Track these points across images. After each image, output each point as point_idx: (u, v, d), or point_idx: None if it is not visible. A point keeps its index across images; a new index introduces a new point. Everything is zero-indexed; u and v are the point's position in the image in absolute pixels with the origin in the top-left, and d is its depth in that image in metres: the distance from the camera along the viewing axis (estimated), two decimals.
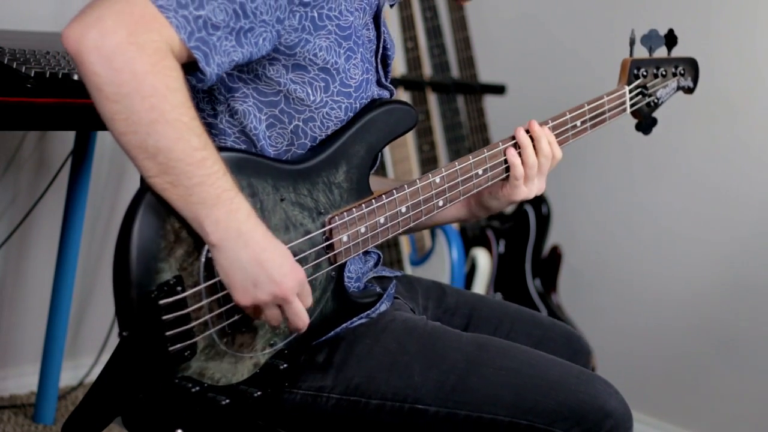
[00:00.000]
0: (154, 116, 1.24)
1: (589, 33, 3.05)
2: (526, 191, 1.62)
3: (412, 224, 1.53)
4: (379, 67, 1.56)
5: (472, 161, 1.57)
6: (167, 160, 1.25)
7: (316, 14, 1.40)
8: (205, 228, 1.28)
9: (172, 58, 1.26)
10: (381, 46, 1.55)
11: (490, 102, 3.18)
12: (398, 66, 3.02)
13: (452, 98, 3.08)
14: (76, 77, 1.84)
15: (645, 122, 1.81)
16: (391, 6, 1.61)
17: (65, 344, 2.52)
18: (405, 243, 2.93)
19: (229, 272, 1.31)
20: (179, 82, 1.26)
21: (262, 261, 1.30)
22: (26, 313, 2.68)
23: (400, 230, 1.51)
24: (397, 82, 2.94)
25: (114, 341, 2.24)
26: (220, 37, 1.30)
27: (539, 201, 3.01)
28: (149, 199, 1.28)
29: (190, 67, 1.31)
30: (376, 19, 1.54)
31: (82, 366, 2.78)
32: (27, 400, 2.64)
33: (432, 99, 3.08)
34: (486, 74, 3.19)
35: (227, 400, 1.32)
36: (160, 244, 1.28)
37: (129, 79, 1.22)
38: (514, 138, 1.61)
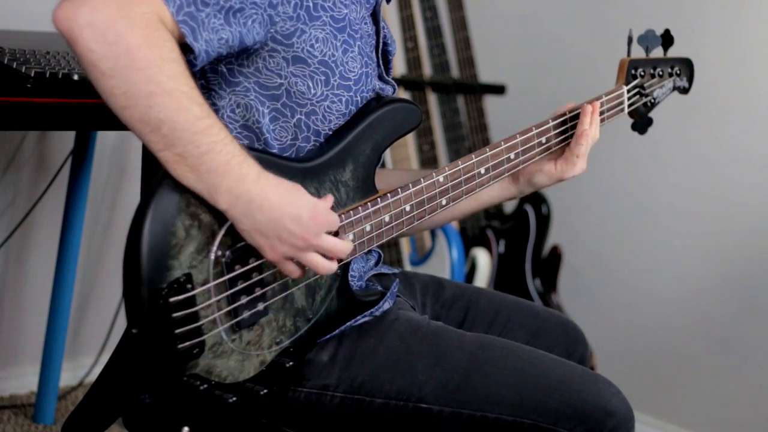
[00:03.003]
0: (152, 88, 1.24)
1: (589, 33, 3.05)
2: (582, 165, 1.67)
3: (416, 222, 1.53)
4: (380, 62, 1.56)
5: (474, 160, 1.58)
6: (171, 131, 1.26)
7: (311, 4, 1.41)
8: (218, 198, 1.29)
9: (164, 30, 1.27)
10: (381, 41, 1.56)
11: (490, 102, 3.18)
12: (398, 66, 3.02)
13: (452, 98, 3.08)
14: (76, 77, 1.83)
15: (641, 122, 1.82)
16: (388, 2, 1.61)
17: (65, 344, 2.52)
18: (405, 243, 2.93)
19: (253, 236, 1.32)
20: (174, 53, 1.27)
21: (279, 218, 1.31)
22: (26, 313, 2.67)
23: (405, 229, 1.52)
24: (397, 82, 2.93)
25: (114, 341, 2.23)
26: (209, 14, 1.31)
27: (539, 201, 3.02)
28: (159, 197, 1.29)
29: (181, 51, 1.31)
30: (375, 14, 1.54)
31: (82, 366, 2.77)
32: (27, 400, 2.64)
33: (432, 99, 3.08)
34: (486, 74, 3.19)
35: (234, 398, 1.32)
36: (170, 242, 1.28)
37: (123, 52, 1.23)
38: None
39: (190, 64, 1.32)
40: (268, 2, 1.36)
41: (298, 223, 1.32)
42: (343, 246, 1.38)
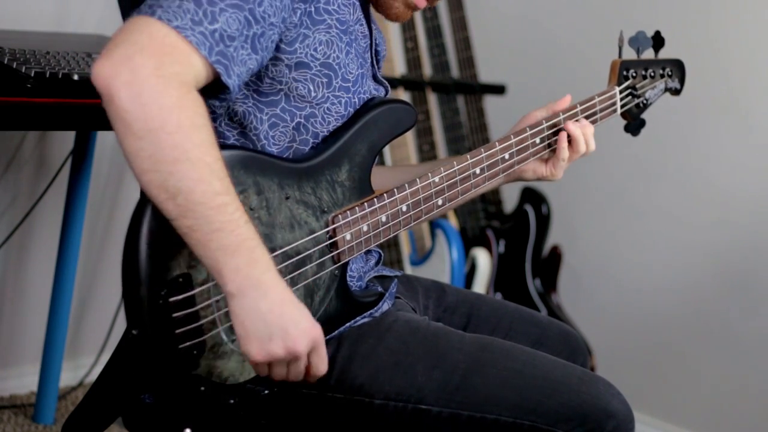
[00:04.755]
0: (177, 154, 1.23)
1: (589, 33, 3.05)
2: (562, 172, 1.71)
3: (413, 223, 1.53)
4: (373, 62, 1.57)
5: (470, 161, 1.58)
6: (186, 203, 1.24)
7: (312, 9, 1.41)
8: (224, 276, 1.27)
9: (196, 93, 1.26)
10: (373, 41, 1.56)
11: (490, 102, 3.18)
12: (398, 66, 3.02)
13: (452, 98, 3.08)
14: (76, 77, 1.84)
15: (634, 123, 1.82)
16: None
17: (65, 344, 2.52)
18: (405, 243, 2.93)
19: (246, 322, 1.28)
20: (204, 119, 1.26)
21: (281, 314, 1.28)
22: (26, 313, 2.67)
23: (402, 229, 1.52)
24: (397, 82, 2.94)
25: (114, 341, 2.24)
26: (237, 47, 1.31)
27: (539, 201, 3.02)
28: None
29: (210, 90, 1.30)
30: (366, 15, 1.55)
31: (82, 366, 2.77)
32: (27, 400, 2.64)
33: (432, 99, 3.08)
34: (486, 74, 3.19)
35: (235, 399, 1.32)
36: (169, 242, 1.28)
37: (156, 113, 1.22)
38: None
39: (221, 100, 1.32)
40: (282, 19, 1.37)
41: (298, 325, 1.30)
42: (323, 366, 1.35)
